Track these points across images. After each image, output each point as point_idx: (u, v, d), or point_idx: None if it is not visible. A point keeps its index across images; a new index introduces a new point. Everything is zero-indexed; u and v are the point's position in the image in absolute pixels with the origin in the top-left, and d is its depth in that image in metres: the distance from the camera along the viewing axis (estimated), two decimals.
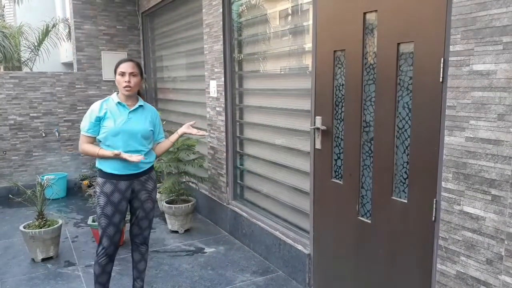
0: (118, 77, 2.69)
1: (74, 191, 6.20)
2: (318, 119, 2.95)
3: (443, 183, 2.09)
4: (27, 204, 3.95)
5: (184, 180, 4.73)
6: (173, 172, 4.71)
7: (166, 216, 4.55)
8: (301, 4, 3.35)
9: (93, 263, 2.89)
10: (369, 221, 2.61)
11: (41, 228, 3.76)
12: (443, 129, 2.07)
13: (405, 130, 2.35)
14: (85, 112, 2.75)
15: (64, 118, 6.27)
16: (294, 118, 3.46)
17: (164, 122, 2.85)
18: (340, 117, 2.81)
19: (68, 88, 6.25)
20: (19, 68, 9.05)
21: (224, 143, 4.36)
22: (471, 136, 1.94)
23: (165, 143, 2.92)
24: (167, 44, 5.94)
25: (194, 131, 2.97)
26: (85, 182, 6.02)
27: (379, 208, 2.53)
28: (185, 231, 4.50)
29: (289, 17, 3.54)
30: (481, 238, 1.94)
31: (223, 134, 4.35)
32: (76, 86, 6.30)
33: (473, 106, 1.92)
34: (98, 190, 2.71)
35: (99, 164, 2.72)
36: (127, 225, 3.04)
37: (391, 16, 2.34)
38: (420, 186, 2.25)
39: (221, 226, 4.59)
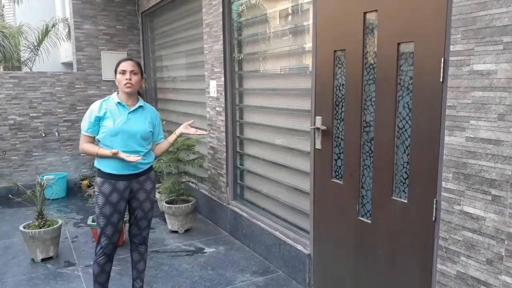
0: (118, 75, 2.69)
1: (74, 191, 6.20)
2: (318, 119, 2.95)
3: (443, 183, 2.09)
4: (27, 204, 3.95)
5: (184, 180, 4.73)
6: (173, 172, 4.70)
7: (166, 216, 4.55)
8: (301, 4, 3.34)
9: (92, 263, 2.89)
10: (369, 221, 2.61)
11: (41, 228, 3.76)
12: (443, 129, 2.07)
13: (405, 130, 2.34)
14: (85, 112, 2.75)
15: (64, 118, 6.27)
16: (294, 118, 3.46)
17: (164, 122, 2.85)
18: (340, 117, 2.81)
19: (68, 88, 6.25)
20: (19, 68, 9.05)
21: (224, 143, 4.36)
22: (472, 136, 1.93)
23: (164, 144, 2.91)
24: (167, 44, 5.93)
25: (192, 130, 2.95)
26: (85, 182, 6.02)
27: (379, 208, 2.53)
28: (185, 231, 4.50)
29: (289, 17, 3.54)
30: (481, 238, 1.94)
31: (223, 134, 4.35)
32: (76, 86, 6.30)
33: (473, 106, 1.92)
34: (97, 190, 2.71)
35: (98, 164, 2.72)
36: (127, 225, 3.03)
37: (391, 16, 2.34)
38: (420, 186, 2.25)
39: (221, 226, 4.59)
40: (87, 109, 2.74)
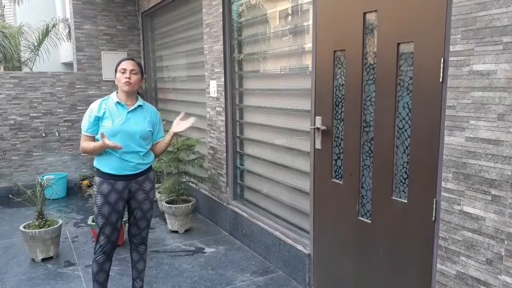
0: (118, 74, 2.69)
1: (74, 191, 6.20)
2: (318, 119, 2.95)
3: (443, 183, 2.09)
4: (27, 204, 3.95)
5: (184, 180, 4.73)
6: (173, 172, 4.71)
7: (166, 216, 4.55)
8: (301, 4, 3.35)
9: (91, 262, 2.89)
10: (369, 221, 2.61)
11: (41, 228, 3.76)
12: (443, 129, 2.07)
13: (405, 130, 2.35)
14: (85, 112, 2.76)
15: (64, 118, 6.27)
16: (294, 118, 3.46)
17: (164, 122, 2.84)
18: (340, 117, 2.81)
19: (68, 88, 6.25)
20: (19, 68, 9.04)
21: (224, 143, 4.36)
22: (471, 136, 1.94)
23: (161, 144, 2.88)
24: (167, 44, 5.94)
25: (183, 126, 2.82)
26: (85, 182, 6.02)
27: (379, 208, 2.53)
28: (185, 231, 4.50)
29: (289, 17, 3.54)
30: (481, 238, 1.94)
31: (223, 134, 4.35)
32: (76, 86, 6.30)
33: (473, 106, 1.92)
34: (96, 190, 2.71)
35: (97, 164, 2.73)
36: (127, 225, 3.03)
37: (391, 16, 2.34)
38: (420, 186, 2.25)
39: (221, 226, 4.59)
40: (87, 109, 2.74)
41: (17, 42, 8.78)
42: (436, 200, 2.16)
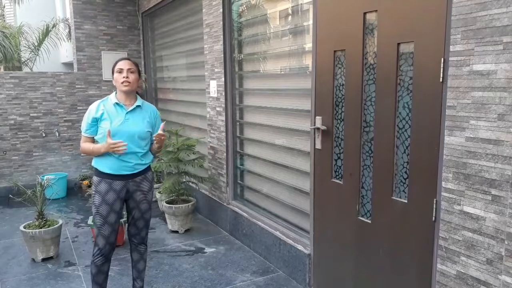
0: (116, 74, 2.69)
1: (74, 191, 6.21)
2: (318, 119, 2.95)
3: (443, 183, 2.09)
4: (27, 204, 3.95)
5: (184, 180, 4.73)
6: (173, 172, 4.71)
7: (166, 216, 4.55)
8: (301, 4, 3.35)
9: (90, 263, 2.89)
10: (369, 221, 2.61)
11: (41, 228, 3.76)
12: (443, 129, 2.07)
13: (405, 130, 2.34)
14: (85, 112, 2.76)
15: (64, 118, 6.27)
16: (294, 118, 3.46)
17: (164, 122, 2.84)
18: (340, 117, 2.81)
19: (68, 88, 6.26)
20: (19, 68, 9.04)
21: (224, 143, 4.36)
22: (471, 136, 1.94)
23: (154, 146, 2.82)
24: (167, 44, 5.94)
25: (160, 136, 2.69)
26: (85, 182, 6.03)
27: (379, 208, 2.53)
28: (185, 231, 4.50)
29: (289, 17, 3.54)
30: (481, 238, 1.94)
31: (223, 134, 4.35)
32: (76, 86, 6.30)
33: (473, 106, 1.92)
34: (94, 189, 2.72)
35: (95, 163, 2.73)
36: (127, 225, 3.03)
37: (391, 16, 2.34)
38: (420, 186, 2.25)
39: (221, 226, 4.59)
40: (87, 109, 2.74)
41: (17, 42, 8.77)
42: (436, 200, 2.16)
